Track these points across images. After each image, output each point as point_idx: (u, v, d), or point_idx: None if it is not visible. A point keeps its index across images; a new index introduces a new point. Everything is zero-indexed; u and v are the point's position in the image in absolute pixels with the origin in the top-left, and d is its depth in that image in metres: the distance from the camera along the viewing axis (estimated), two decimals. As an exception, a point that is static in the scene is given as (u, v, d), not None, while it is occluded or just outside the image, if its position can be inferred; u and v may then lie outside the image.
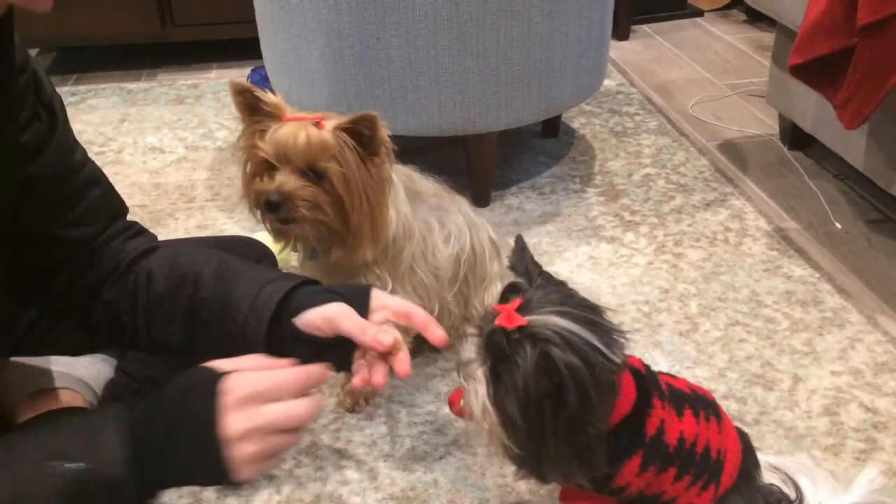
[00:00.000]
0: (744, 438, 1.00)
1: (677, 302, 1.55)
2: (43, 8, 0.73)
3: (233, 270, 0.98)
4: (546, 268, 1.69)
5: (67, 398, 1.13)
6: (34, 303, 1.05)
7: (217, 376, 0.73)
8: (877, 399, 1.31)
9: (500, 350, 0.81)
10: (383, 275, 1.24)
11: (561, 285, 0.90)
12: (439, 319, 1.13)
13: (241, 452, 0.71)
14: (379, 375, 0.90)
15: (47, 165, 0.92)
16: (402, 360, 0.89)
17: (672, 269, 1.65)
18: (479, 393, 0.84)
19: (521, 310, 0.82)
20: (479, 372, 0.84)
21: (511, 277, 0.92)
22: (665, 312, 1.53)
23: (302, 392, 0.75)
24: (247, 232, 1.79)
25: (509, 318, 0.81)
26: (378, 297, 0.95)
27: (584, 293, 1.66)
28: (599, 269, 1.66)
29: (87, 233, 0.98)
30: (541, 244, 1.74)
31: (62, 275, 0.98)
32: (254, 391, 0.72)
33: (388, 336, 0.89)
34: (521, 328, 0.80)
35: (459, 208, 1.36)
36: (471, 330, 0.91)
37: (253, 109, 1.15)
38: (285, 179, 1.12)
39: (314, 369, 0.77)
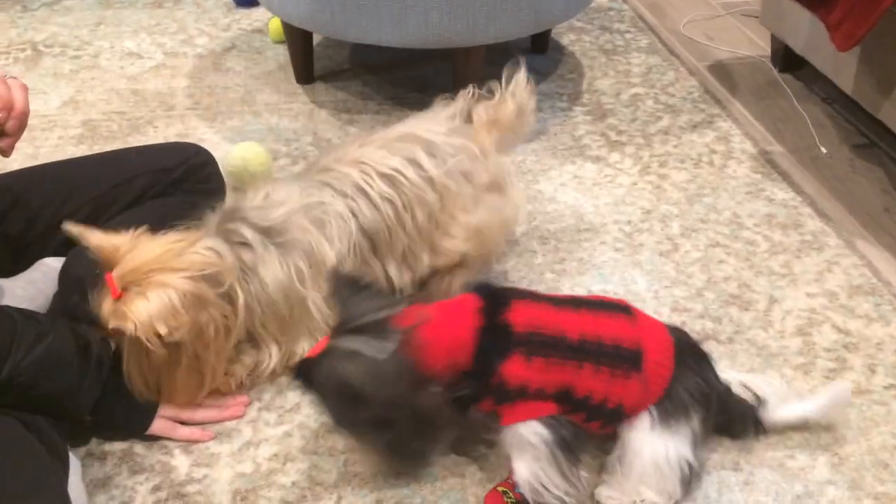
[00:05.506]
0: (677, 333, 1.04)
1: (659, 223, 1.56)
2: None
3: None
4: (530, 186, 1.70)
5: None
6: None
7: None
8: (849, 321, 1.34)
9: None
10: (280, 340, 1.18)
11: (362, 299, 0.99)
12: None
13: None
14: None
15: None
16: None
17: (655, 190, 1.65)
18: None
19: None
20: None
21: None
22: (646, 233, 1.53)
23: None
24: (228, 143, 1.77)
25: (313, 350, 0.97)
26: None
27: (567, 212, 1.66)
28: (583, 188, 1.66)
29: None
30: (525, 162, 1.73)
31: None
32: None
33: None
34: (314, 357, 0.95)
35: (329, 186, 1.18)
36: None
37: None
38: None
39: None
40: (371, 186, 1.18)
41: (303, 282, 1.14)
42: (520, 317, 0.96)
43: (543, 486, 0.96)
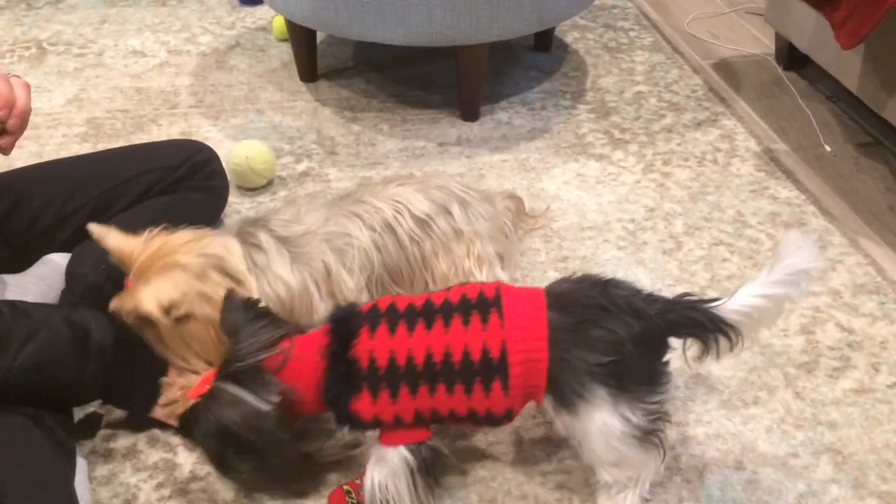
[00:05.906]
0: (571, 295, 0.95)
1: (662, 221, 1.56)
2: None
3: None
4: (533, 184, 1.68)
5: None
6: None
7: None
8: (853, 319, 1.33)
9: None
10: None
11: (254, 329, 0.98)
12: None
13: None
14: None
15: None
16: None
17: (659, 188, 1.65)
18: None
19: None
20: None
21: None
22: (650, 231, 1.53)
23: None
24: (231, 140, 1.77)
25: (195, 390, 0.98)
26: None
27: (570, 210, 1.66)
28: (587, 186, 1.66)
29: None
30: (529, 160, 1.73)
31: None
32: None
33: None
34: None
35: (360, 217, 1.21)
36: None
37: None
38: None
39: None
40: (401, 225, 1.21)
41: (310, 291, 1.15)
42: (363, 350, 0.94)
43: (388, 499, 0.96)
